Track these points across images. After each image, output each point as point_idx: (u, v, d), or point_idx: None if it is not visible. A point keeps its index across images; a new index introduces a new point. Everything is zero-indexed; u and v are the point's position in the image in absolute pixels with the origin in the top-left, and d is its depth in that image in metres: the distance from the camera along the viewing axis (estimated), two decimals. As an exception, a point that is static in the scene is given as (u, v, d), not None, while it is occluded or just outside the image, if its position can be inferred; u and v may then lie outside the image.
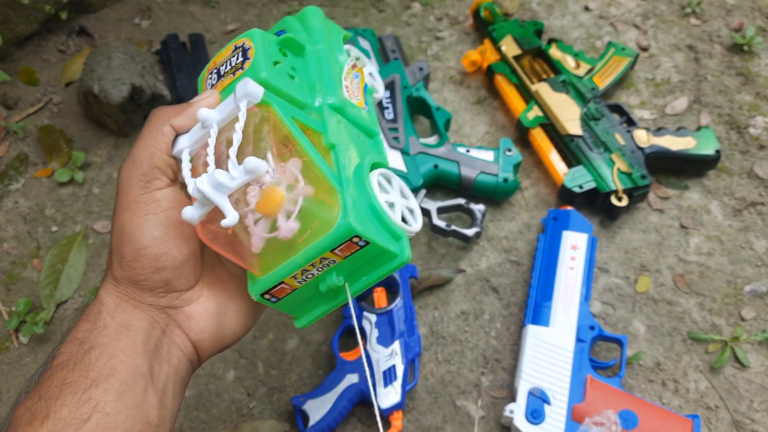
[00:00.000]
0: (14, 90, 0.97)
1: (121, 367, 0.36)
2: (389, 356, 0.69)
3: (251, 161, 0.33)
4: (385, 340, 0.70)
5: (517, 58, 0.94)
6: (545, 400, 0.65)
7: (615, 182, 0.80)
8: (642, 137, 0.84)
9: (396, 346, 0.70)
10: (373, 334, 0.71)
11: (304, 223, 0.36)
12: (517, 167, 0.83)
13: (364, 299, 0.77)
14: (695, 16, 1.03)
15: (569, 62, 0.93)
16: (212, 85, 0.42)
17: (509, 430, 0.68)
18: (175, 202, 0.38)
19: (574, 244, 0.75)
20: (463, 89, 0.97)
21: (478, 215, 0.79)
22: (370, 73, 0.48)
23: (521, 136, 0.90)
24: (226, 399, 0.72)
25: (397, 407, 0.67)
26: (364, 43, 0.93)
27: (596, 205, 0.83)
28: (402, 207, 0.41)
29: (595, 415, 0.63)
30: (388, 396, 0.67)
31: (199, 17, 1.06)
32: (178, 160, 0.39)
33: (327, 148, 0.40)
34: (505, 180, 0.81)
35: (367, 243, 0.37)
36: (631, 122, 0.87)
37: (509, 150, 0.84)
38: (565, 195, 0.82)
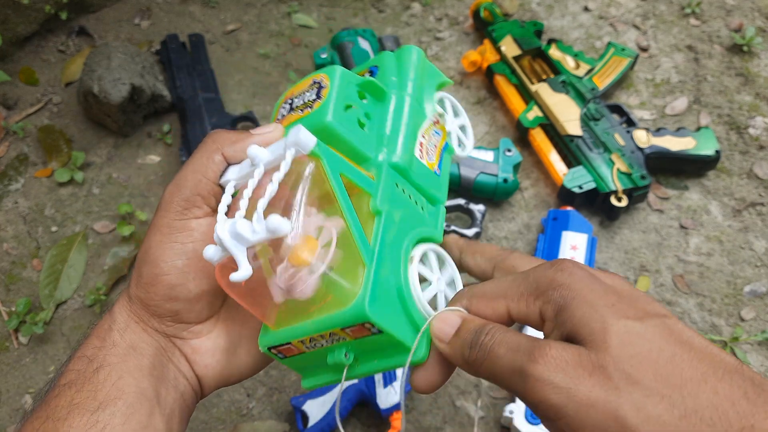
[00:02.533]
0: (14, 90, 0.97)
1: (128, 389, 0.35)
2: (389, 356, 0.69)
3: (274, 220, 0.31)
4: (384, 341, 0.70)
5: (516, 58, 0.94)
6: (545, 401, 0.65)
7: (615, 182, 0.80)
8: (642, 137, 0.84)
9: (396, 346, 0.70)
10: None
11: (322, 291, 0.34)
12: (516, 167, 0.83)
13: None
14: (695, 16, 1.03)
15: (569, 62, 0.93)
16: (283, 116, 0.39)
17: (509, 430, 0.68)
18: (207, 234, 0.37)
19: (573, 245, 0.75)
20: (463, 89, 0.97)
21: (478, 215, 0.79)
22: (461, 126, 0.44)
23: (521, 136, 0.90)
24: (226, 399, 0.72)
25: (397, 407, 0.67)
26: (364, 44, 0.93)
27: (596, 205, 0.83)
28: (441, 293, 0.38)
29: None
30: (388, 396, 0.67)
31: (199, 17, 1.06)
32: (222, 189, 0.37)
33: (372, 214, 0.36)
34: (505, 180, 0.81)
35: (381, 331, 0.34)
36: (630, 122, 0.87)
37: (509, 150, 0.84)
38: (564, 195, 0.82)
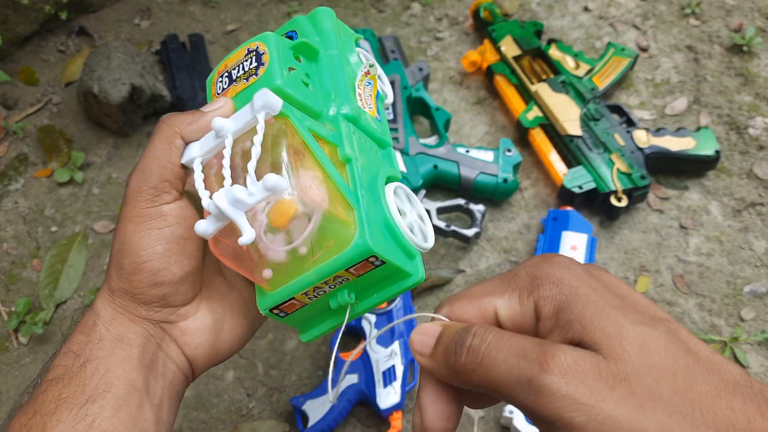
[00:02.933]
0: (14, 90, 0.97)
1: (116, 381, 0.35)
2: (389, 357, 0.69)
3: (272, 179, 0.32)
4: (384, 341, 0.70)
5: (516, 58, 0.94)
6: (545, 401, 0.65)
7: (614, 183, 0.80)
8: (641, 138, 0.84)
9: (395, 346, 0.70)
10: (372, 334, 0.71)
11: (319, 240, 0.35)
12: (516, 167, 0.83)
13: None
14: (695, 16, 1.03)
15: (569, 63, 0.93)
16: (223, 89, 0.40)
17: (509, 430, 0.68)
18: (180, 217, 0.37)
19: (573, 245, 0.75)
20: (462, 89, 0.97)
21: (478, 215, 0.79)
22: (379, 77, 0.47)
23: (521, 136, 0.90)
24: (226, 399, 0.72)
25: (396, 407, 0.67)
26: (364, 44, 0.93)
27: (596, 205, 0.83)
28: (415, 223, 0.40)
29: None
30: (387, 396, 0.67)
31: (199, 17, 1.06)
32: (188, 169, 0.38)
33: (342, 162, 0.38)
34: (505, 180, 0.81)
35: (383, 263, 0.36)
36: (630, 123, 0.87)
37: (509, 150, 0.84)
38: (564, 195, 0.82)
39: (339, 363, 0.70)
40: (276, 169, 0.34)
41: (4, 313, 0.78)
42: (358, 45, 0.46)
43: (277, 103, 0.35)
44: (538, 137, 0.87)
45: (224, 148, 0.36)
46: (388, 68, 0.89)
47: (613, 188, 0.80)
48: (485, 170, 0.82)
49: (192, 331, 0.39)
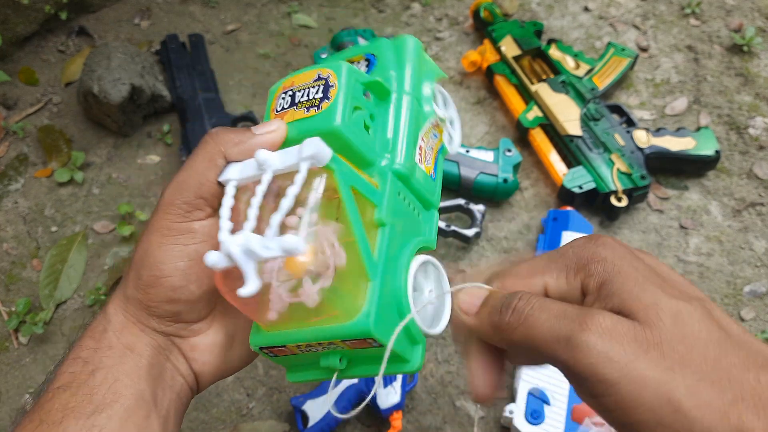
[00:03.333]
0: (14, 90, 0.97)
1: (125, 391, 0.35)
2: (389, 356, 0.69)
3: (290, 242, 0.30)
4: (384, 341, 0.70)
5: (516, 58, 0.94)
6: (545, 401, 0.65)
7: (615, 183, 0.80)
8: (642, 138, 0.84)
9: (396, 346, 0.70)
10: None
11: (325, 302, 0.33)
12: (516, 167, 0.83)
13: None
14: (695, 16, 1.03)
15: (569, 63, 0.93)
16: (283, 108, 0.38)
17: (509, 430, 0.68)
18: (209, 235, 0.36)
19: (573, 245, 0.75)
20: (462, 89, 0.97)
21: (478, 216, 0.79)
22: (450, 120, 0.42)
23: (521, 136, 0.90)
24: (226, 399, 0.72)
25: (396, 407, 0.67)
26: (364, 44, 0.93)
27: (596, 205, 0.83)
28: (431, 306, 0.38)
29: (595, 415, 0.63)
30: (387, 396, 0.67)
31: (199, 17, 1.06)
32: (222, 188, 0.36)
33: (375, 224, 0.36)
34: (505, 180, 0.81)
35: (381, 346, 0.34)
36: (630, 123, 0.87)
37: (509, 150, 0.84)
38: (564, 195, 0.82)
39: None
40: (298, 225, 0.32)
41: (4, 313, 0.78)
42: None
43: (326, 156, 0.33)
44: (538, 137, 0.87)
45: (260, 182, 0.34)
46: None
47: (613, 188, 0.80)
48: (485, 170, 0.82)
49: (202, 348, 0.39)
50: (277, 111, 0.38)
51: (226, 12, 1.07)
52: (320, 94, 0.36)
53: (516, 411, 0.65)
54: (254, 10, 1.07)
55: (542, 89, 0.89)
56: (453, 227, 0.78)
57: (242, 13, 1.07)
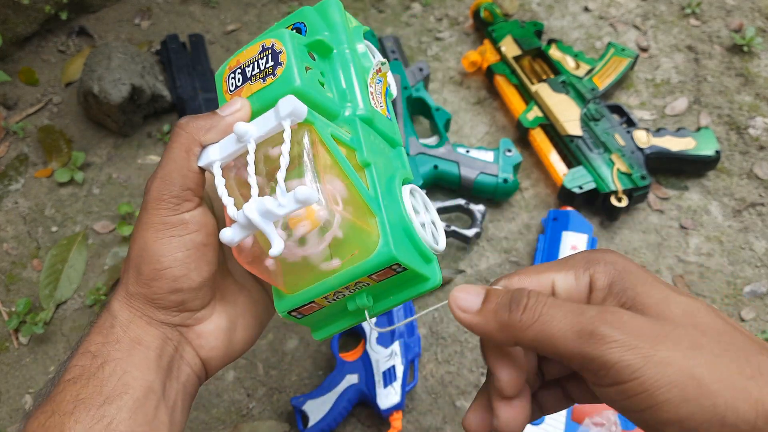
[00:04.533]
0: (14, 90, 0.97)
1: (134, 383, 0.35)
2: (389, 357, 0.69)
3: (303, 191, 0.32)
4: (384, 341, 0.70)
5: (516, 58, 0.94)
6: (545, 401, 0.65)
7: (615, 183, 0.80)
8: (642, 138, 0.84)
9: (395, 346, 0.70)
10: (372, 334, 0.71)
11: (341, 247, 0.35)
12: (516, 168, 0.83)
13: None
14: (695, 16, 1.03)
15: (569, 63, 0.93)
16: (236, 86, 0.39)
17: (509, 430, 0.68)
18: (201, 224, 0.37)
19: (573, 245, 0.75)
20: (463, 90, 0.97)
21: (478, 216, 0.79)
22: (432, 222, 0.44)
23: (521, 136, 0.90)
24: (226, 399, 0.72)
25: (396, 407, 0.67)
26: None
27: (596, 205, 0.83)
28: (430, 225, 0.40)
29: (595, 415, 0.63)
30: (387, 396, 0.67)
31: (199, 17, 1.06)
32: (207, 172, 0.38)
33: (360, 166, 0.38)
34: (505, 180, 0.81)
35: (405, 269, 0.36)
36: (630, 123, 0.87)
37: (509, 150, 0.84)
38: (564, 195, 0.82)
39: (339, 363, 0.70)
40: (302, 178, 0.34)
41: (5, 313, 0.78)
42: (365, 37, 0.45)
43: (304, 110, 0.35)
44: (538, 137, 0.87)
45: (246, 153, 0.35)
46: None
47: (613, 188, 0.80)
48: (485, 170, 0.82)
49: (207, 334, 0.40)
50: (231, 91, 0.39)
51: (226, 12, 1.07)
52: (271, 63, 0.38)
53: (516, 411, 0.65)
54: (254, 10, 1.07)
55: (542, 89, 0.89)
56: (453, 227, 0.78)
57: (242, 13, 1.07)
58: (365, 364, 0.69)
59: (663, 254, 0.80)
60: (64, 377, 0.36)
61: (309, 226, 0.34)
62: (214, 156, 0.37)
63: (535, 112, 0.89)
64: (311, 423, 0.66)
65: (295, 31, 0.42)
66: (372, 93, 0.42)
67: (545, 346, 0.29)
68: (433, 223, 0.41)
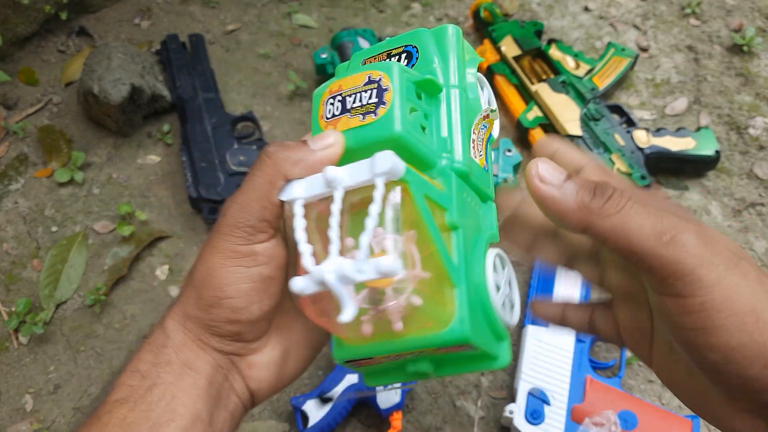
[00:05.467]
0: (14, 90, 0.97)
1: (182, 410, 0.34)
2: (389, 357, 0.69)
3: (387, 263, 0.30)
4: (384, 341, 0.70)
5: (516, 58, 0.94)
6: (545, 401, 0.65)
7: (615, 183, 0.80)
8: (642, 138, 0.84)
9: (396, 346, 0.70)
10: (373, 334, 0.71)
11: (416, 316, 0.33)
12: (516, 167, 0.83)
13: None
14: (695, 16, 1.03)
15: (569, 63, 0.93)
16: (334, 115, 0.36)
17: (509, 430, 0.68)
18: (271, 257, 0.36)
19: (573, 245, 0.75)
20: (462, 90, 0.97)
21: (478, 216, 0.79)
22: (508, 282, 0.41)
23: (521, 136, 0.90)
24: (226, 399, 0.72)
25: (396, 407, 0.67)
26: (364, 44, 0.93)
27: (596, 205, 0.82)
28: (507, 297, 0.38)
29: (595, 415, 0.63)
30: (387, 396, 0.67)
31: (199, 17, 1.06)
32: (288, 208, 0.36)
33: (447, 227, 0.35)
34: (505, 180, 0.81)
35: (474, 348, 0.34)
36: (630, 123, 0.87)
37: (509, 150, 0.84)
38: (564, 195, 0.82)
39: (337, 368, 0.70)
40: (364, 245, 0.31)
41: (4, 313, 0.78)
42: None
43: (401, 170, 0.32)
44: (539, 137, 0.87)
45: (332, 201, 0.33)
46: (389, 68, 0.89)
47: (613, 188, 0.80)
48: (485, 170, 0.82)
49: (260, 365, 0.39)
50: (327, 118, 0.37)
51: (226, 12, 1.07)
52: (375, 99, 0.35)
53: (516, 411, 0.65)
54: (254, 10, 1.07)
55: (542, 89, 0.89)
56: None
57: (242, 13, 1.07)
58: (365, 364, 0.69)
59: (663, 254, 0.80)
60: (112, 396, 0.35)
61: (387, 292, 0.32)
62: (299, 193, 0.35)
63: (535, 112, 0.89)
64: (311, 423, 0.66)
65: (405, 54, 0.40)
66: (474, 141, 0.39)
67: (620, 238, 0.28)
68: (509, 285, 0.38)
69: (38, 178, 0.89)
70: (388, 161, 0.32)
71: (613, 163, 0.82)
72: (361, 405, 0.70)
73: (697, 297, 0.26)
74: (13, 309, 0.78)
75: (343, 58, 0.93)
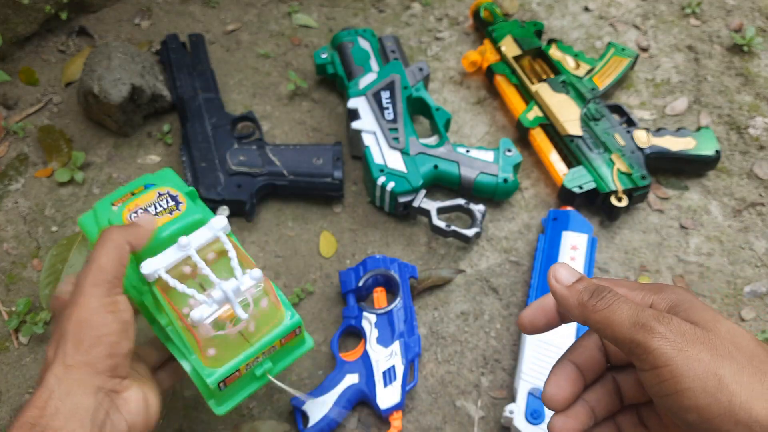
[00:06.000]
0: (14, 90, 0.97)
1: None
2: (389, 356, 0.69)
3: (257, 272, 0.49)
4: (384, 341, 0.70)
5: (517, 58, 0.94)
6: (545, 401, 0.65)
7: (615, 183, 0.80)
8: (642, 138, 0.84)
9: (396, 346, 0.70)
10: (372, 334, 0.71)
11: (262, 320, 0.51)
12: (516, 167, 0.83)
13: (364, 300, 0.77)
14: (695, 16, 1.03)
15: (569, 62, 0.93)
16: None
17: (509, 430, 0.68)
18: (126, 305, 0.48)
19: (573, 245, 0.75)
20: (463, 90, 0.97)
21: (478, 215, 0.79)
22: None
23: (521, 136, 0.90)
24: (226, 399, 0.72)
25: (396, 407, 0.67)
26: (364, 44, 0.93)
27: (596, 205, 0.83)
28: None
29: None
30: (387, 396, 0.67)
31: (199, 17, 1.06)
32: (160, 278, 0.50)
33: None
34: (505, 180, 0.81)
35: (299, 333, 0.54)
36: (630, 123, 0.87)
37: (509, 150, 0.84)
38: (564, 195, 0.82)
39: (339, 363, 0.70)
40: (227, 268, 0.51)
41: (5, 313, 0.78)
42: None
43: (229, 226, 0.53)
44: (539, 137, 0.87)
45: (189, 257, 0.51)
46: (389, 68, 0.89)
47: (613, 188, 0.80)
48: (485, 170, 0.82)
49: (132, 401, 0.48)
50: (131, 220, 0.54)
51: (227, 12, 1.07)
52: (172, 202, 0.54)
53: (516, 411, 0.65)
54: (254, 10, 1.07)
55: (542, 89, 0.89)
56: (453, 227, 0.78)
57: (242, 13, 1.07)
58: (365, 363, 0.69)
59: (663, 254, 0.80)
60: None
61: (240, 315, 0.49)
62: (159, 265, 0.50)
63: (535, 112, 0.89)
64: (311, 423, 0.66)
65: (144, 188, 0.57)
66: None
67: (606, 329, 0.34)
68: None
69: (38, 178, 0.89)
70: (222, 221, 0.52)
71: (613, 162, 0.82)
72: (361, 405, 0.70)
73: (666, 367, 0.31)
74: (13, 309, 0.78)
75: (343, 58, 0.93)
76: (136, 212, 0.53)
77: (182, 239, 0.50)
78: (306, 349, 0.57)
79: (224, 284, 0.47)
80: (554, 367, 0.39)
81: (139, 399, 0.48)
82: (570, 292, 0.37)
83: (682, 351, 0.31)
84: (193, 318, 0.46)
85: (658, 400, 0.33)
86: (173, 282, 0.48)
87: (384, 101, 0.86)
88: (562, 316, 0.40)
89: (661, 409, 0.34)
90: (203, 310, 0.47)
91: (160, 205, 0.53)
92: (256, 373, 0.52)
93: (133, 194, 0.57)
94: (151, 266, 0.49)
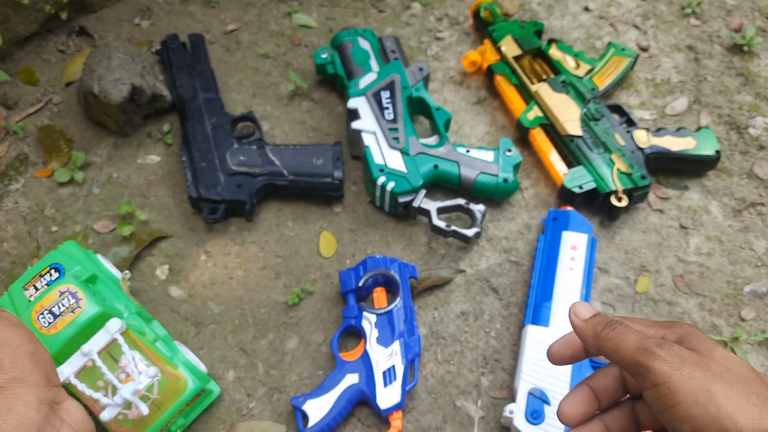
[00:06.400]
0: (14, 90, 0.97)
1: None
2: (389, 356, 0.69)
3: (151, 371, 0.59)
4: (384, 341, 0.70)
5: (517, 58, 0.94)
6: (545, 401, 0.65)
7: (615, 182, 0.80)
8: (642, 137, 0.84)
9: (396, 346, 0.70)
10: (372, 334, 0.71)
11: (169, 392, 0.63)
12: (517, 167, 0.83)
13: (364, 300, 0.77)
14: (695, 16, 1.03)
15: (569, 62, 0.93)
16: (50, 323, 0.60)
17: (509, 430, 0.68)
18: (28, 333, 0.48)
19: (573, 245, 0.75)
20: (463, 89, 0.97)
21: (478, 215, 0.79)
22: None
23: (521, 136, 0.90)
24: (226, 399, 0.72)
25: (396, 407, 0.67)
26: (364, 44, 0.93)
27: (596, 205, 0.83)
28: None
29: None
30: (387, 396, 0.67)
31: (199, 17, 1.06)
32: (71, 384, 0.59)
33: (152, 340, 0.65)
34: (505, 180, 0.81)
35: (204, 391, 0.67)
36: (631, 122, 0.87)
37: (509, 150, 0.84)
38: (564, 195, 0.82)
39: (339, 363, 0.70)
40: (134, 371, 0.60)
41: (5, 313, 0.78)
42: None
43: (124, 326, 0.62)
44: (539, 137, 0.87)
45: (93, 362, 0.60)
46: (389, 68, 0.89)
47: (613, 188, 0.80)
48: (485, 170, 0.82)
49: (74, 410, 0.48)
50: (45, 327, 0.60)
51: (227, 12, 1.07)
52: (73, 300, 0.61)
53: (516, 411, 0.65)
54: (254, 10, 1.07)
55: (542, 89, 0.89)
56: (453, 227, 0.78)
57: (242, 13, 1.07)
58: (365, 363, 0.69)
59: (663, 254, 0.80)
60: None
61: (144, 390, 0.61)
62: (67, 372, 0.59)
63: (535, 112, 0.89)
64: (311, 423, 0.66)
65: (54, 270, 0.65)
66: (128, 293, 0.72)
67: (615, 353, 0.39)
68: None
69: (38, 178, 0.89)
70: (117, 323, 0.61)
71: (613, 162, 0.82)
72: (361, 405, 0.70)
73: (664, 384, 0.35)
74: (13, 309, 0.78)
75: (343, 58, 0.93)
76: (42, 314, 0.60)
77: (84, 347, 0.59)
78: (214, 397, 0.70)
79: (123, 389, 0.57)
80: (573, 388, 0.44)
81: (80, 408, 0.48)
82: (587, 325, 0.42)
83: (678, 370, 0.35)
84: (102, 419, 0.57)
85: (660, 415, 0.36)
86: (81, 387, 0.58)
87: (384, 101, 0.86)
88: (587, 351, 0.44)
89: (665, 424, 0.37)
90: (111, 411, 0.57)
91: (63, 305, 0.60)
92: (172, 429, 0.65)
93: (41, 276, 0.65)
94: (63, 373, 0.59)
